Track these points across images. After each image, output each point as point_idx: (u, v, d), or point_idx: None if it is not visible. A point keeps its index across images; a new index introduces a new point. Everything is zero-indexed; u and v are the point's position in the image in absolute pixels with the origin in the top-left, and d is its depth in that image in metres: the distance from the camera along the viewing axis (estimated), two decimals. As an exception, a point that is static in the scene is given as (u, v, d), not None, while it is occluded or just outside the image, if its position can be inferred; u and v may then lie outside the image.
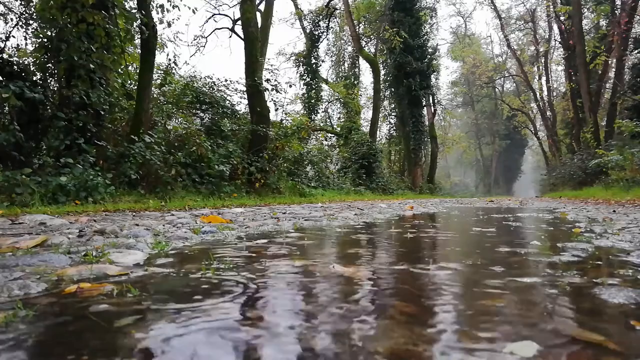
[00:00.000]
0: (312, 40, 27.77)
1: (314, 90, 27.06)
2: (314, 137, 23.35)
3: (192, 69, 34.19)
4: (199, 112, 13.37)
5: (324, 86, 28.89)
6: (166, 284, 1.33)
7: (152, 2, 9.52)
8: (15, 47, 8.70)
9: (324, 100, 29.10)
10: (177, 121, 11.56)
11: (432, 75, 29.12)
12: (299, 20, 28.98)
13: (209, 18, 22.61)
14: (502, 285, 1.30)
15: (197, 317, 0.97)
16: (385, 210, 6.80)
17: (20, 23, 8.63)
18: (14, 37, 8.56)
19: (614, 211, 5.68)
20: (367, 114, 32.16)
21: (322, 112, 29.39)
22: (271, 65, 18.15)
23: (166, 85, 13.12)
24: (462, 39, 45.24)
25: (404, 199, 17.33)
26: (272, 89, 14.08)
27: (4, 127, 6.82)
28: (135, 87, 10.11)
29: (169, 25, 10.12)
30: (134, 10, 9.12)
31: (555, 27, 31.79)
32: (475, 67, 40.07)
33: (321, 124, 27.53)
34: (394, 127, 31.08)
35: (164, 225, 3.30)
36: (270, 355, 0.77)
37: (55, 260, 1.64)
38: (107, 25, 7.95)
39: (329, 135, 26.34)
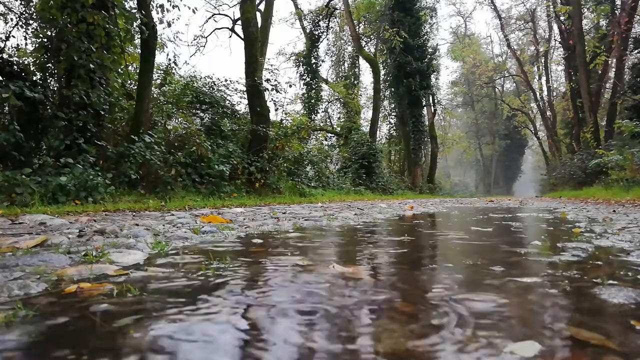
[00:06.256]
0: (312, 40, 27.77)
1: (314, 90, 27.07)
2: (314, 137, 23.35)
3: (192, 69, 34.20)
4: (199, 112, 13.37)
5: (324, 86, 28.91)
6: (166, 284, 1.33)
7: (152, 2, 9.52)
8: (15, 47, 8.70)
9: (324, 100, 29.13)
10: (177, 121, 11.56)
11: (432, 75, 29.10)
12: (299, 20, 28.99)
13: (209, 18, 22.63)
14: (502, 285, 1.30)
15: (197, 318, 0.97)
16: (385, 210, 6.80)
17: (20, 23, 8.63)
18: (14, 37, 8.57)
19: (614, 211, 5.68)
20: (367, 114, 32.20)
21: (322, 112, 29.46)
22: (271, 65, 18.16)
23: (166, 85, 13.12)
24: (462, 39, 45.17)
25: (404, 198, 17.32)
26: (272, 89, 14.10)
27: (4, 127, 6.81)
28: (135, 87, 10.11)
29: (169, 25, 10.12)
30: (134, 10, 9.12)
31: (555, 27, 31.83)
32: (475, 67, 40.06)
33: (321, 124, 27.54)
34: (394, 127, 31.08)
35: (164, 225, 3.30)
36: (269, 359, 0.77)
37: (55, 260, 1.64)
38: (107, 25, 7.94)
39: (329, 135, 26.35)
